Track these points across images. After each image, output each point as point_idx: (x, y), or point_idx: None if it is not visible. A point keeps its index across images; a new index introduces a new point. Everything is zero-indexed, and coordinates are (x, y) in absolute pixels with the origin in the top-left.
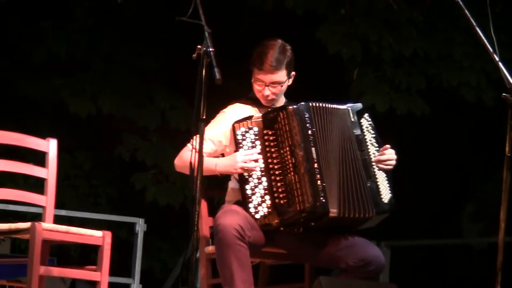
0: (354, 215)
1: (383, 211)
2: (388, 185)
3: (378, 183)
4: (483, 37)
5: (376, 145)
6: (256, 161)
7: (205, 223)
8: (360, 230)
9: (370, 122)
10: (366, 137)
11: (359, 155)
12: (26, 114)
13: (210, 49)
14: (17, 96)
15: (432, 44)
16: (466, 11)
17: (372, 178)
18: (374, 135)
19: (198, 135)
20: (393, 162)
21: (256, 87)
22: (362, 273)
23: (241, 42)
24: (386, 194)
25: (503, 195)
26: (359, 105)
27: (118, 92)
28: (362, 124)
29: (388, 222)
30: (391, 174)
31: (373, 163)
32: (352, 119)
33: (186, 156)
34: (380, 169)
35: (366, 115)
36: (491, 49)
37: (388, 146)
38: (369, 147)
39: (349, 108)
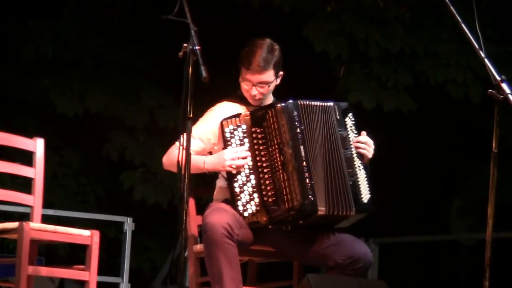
0: (338, 213)
1: (362, 210)
2: (367, 185)
3: (359, 183)
4: (468, 34)
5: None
6: (244, 158)
7: (193, 222)
8: (339, 228)
9: (353, 122)
10: (349, 136)
11: (343, 153)
12: (14, 113)
13: (196, 47)
14: (4, 96)
15: (418, 41)
16: (452, 7)
17: (354, 177)
18: (356, 135)
19: (185, 133)
20: (371, 149)
21: (244, 86)
22: (350, 270)
23: (228, 40)
24: (366, 194)
25: (490, 192)
26: (344, 104)
27: (106, 91)
28: (347, 123)
29: (376, 219)
30: (370, 174)
31: (355, 162)
32: (338, 117)
33: (173, 154)
34: (358, 153)
35: (350, 115)
36: (476, 46)
37: (364, 132)
38: (352, 146)
39: (335, 106)
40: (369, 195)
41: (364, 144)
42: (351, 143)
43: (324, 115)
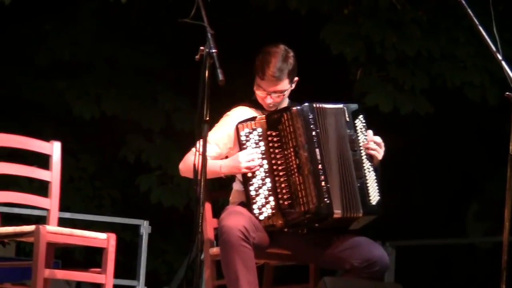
0: (347, 215)
1: (370, 212)
2: (377, 187)
3: (368, 185)
4: (486, 36)
5: None
6: (259, 159)
7: (209, 225)
8: (354, 231)
9: (364, 124)
10: (359, 138)
11: (351, 155)
12: (30, 117)
13: (213, 50)
14: (21, 99)
15: (435, 44)
16: (469, 10)
17: (362, 179)
18: (366, 137)
19: (201, 137)
20: (382, 151)
21: (259, 93)
22: (367, 274)
23: (244, 43)
24: (374, 196)
25: (507, 194)
26: (354, 105)
27: (122, 94)
28: (357, 125)
29: (393, 222)
30: (380, 177)
31: (364, 164)
32: (347, 119)
33: (190, 160)
34: (367, 154)
35: (361, 117)
36: (494, 48)
37: (371, 131)
38: (361, 148)
39: (344, 108)
40: (378, 197)
41: (373, 148)
42: (360, 145)
43: (334, 117)
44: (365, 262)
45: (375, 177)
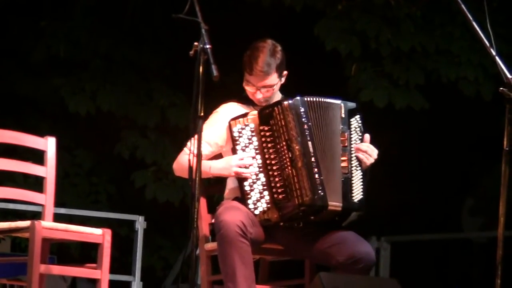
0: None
1: (349, 207)
2: (362, 187)
3: (352, 182)
4: (480, 32)
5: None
6: (251, 165)
7: (204, 220)
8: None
9: (360, 124)
10: (352, 136)
11: (341, 149)
12: (26, 113)
13: (207, 46)
14: (16, 95)
15: (430, 39)
16: (463, 5)
17: (348, 174)
18: (360, 138)
19: (195, 136)
20: (372, 158)
21: (248, 89)
22: (352, 271)
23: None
24: (357, 194)
25: (502, 190)
26: (352, 104)
27: (118, 90)
28: (352, 123)
29: (388, 217)
30: (367, 177)
31: (352, 162)
32: (342, 115)
33: (183, 160)
34: (357, 158)
35: (357, 117)
36: (488, 44)
37: (367, 136)
38: (352, 146)
39: (342, 104)
40: (362, 196)
41: (363, 152)
42: (352, 142)
43: (330, 111)
44: (350, 259)
45: (361, 177)
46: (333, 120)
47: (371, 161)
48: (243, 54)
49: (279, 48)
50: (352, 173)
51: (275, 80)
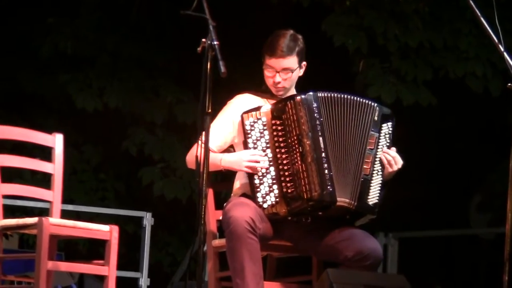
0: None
1: (362, 208)
2: (379, 191)
3: (371, 185)
4: (488, 28)
5: None
6: (262, 161)
7: (212, 217)
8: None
9: (390, 131)
10: (380, 140)
11: (366, 151)
12: (33, 109)
13: (215, 43)
14: (24, 92)
15: (438, 35)
16: (471, 1)
17: (368, 176)
18: (388, 144)
19: (204, 129)
20: (396, 167)
21: (267, 73)
22: (359, 267)
23: (247, 35)
24: (373, 198)
25: (510, 186)
26: (388, 110)
27: (125, 87)
28: (383, 128)
29: (396, 213)
30: (387, 186)
31: (375, 165)
32: (375, 118)
33: (195, 152)
34: (381, 163)
35: (390, 124)
36: (496, 40)
37: (394, 148)
38: (378, 150)
39: (377, 108)
40: (376, 201)
41: (391, 157)
42: (378, 146)
43: (356, 109)
44: (358, 255)
45: (380, 183)
46: (359, 119)
47: (394, 169)
48: (263, 43)
49: (300, 36)
50: (373, 176)
51: (295, 64)
